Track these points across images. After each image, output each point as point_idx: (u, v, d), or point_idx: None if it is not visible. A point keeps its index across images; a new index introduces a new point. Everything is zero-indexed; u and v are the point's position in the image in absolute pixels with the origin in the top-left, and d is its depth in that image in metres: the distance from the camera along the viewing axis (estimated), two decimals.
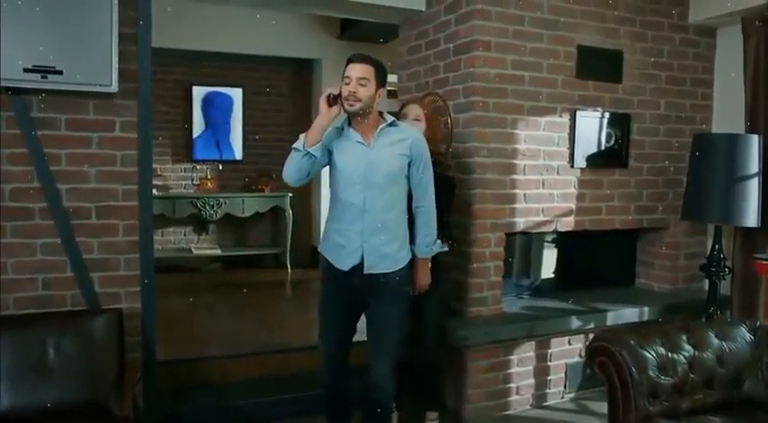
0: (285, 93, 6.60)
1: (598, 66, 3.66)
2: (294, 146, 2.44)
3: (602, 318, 3.59)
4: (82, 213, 2.81)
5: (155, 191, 5.96)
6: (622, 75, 3.76)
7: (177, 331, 4.12)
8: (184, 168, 6.50)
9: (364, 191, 2.44)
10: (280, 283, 6.14)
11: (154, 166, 6.18)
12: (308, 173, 2.46)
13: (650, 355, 2.52)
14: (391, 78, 6.31)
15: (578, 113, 3.62)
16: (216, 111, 6.52)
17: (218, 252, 6.43)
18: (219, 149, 6.57)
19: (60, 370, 2.52)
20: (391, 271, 2.52)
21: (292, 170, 2.45)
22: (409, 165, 2.52)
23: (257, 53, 6.10)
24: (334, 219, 2.56)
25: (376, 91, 2.41)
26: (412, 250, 2.62)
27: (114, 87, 2.73)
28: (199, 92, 6.46)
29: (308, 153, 2.40)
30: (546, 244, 4.09)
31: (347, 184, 2.48)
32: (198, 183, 6.42)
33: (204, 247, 6.51)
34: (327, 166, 2.57)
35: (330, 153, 2.50)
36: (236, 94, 6.57)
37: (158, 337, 3.04)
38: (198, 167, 6.49)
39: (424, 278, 2.69)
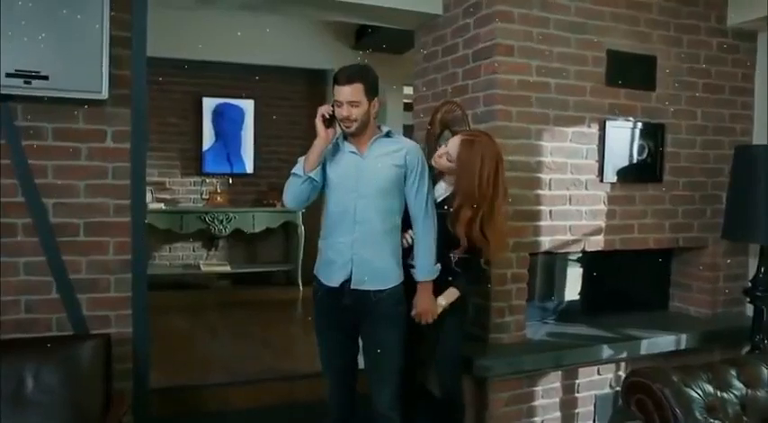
0: (298, 104, 6.39)
1: (629, 72, 3.39)
2: (293, 171, 2.39)
3: (635, 346, 3.29)
4: (69, 230, 2.61)
5: (162, 205, 5.82)
6: (656, 82, 3.49)
7: (177, 355, 3.90)
8: (194, 182, 6.33)
9: (355, 201, 2.36)
10: (290, 302, 5.90)
11: (163, 179, 6.28)
12: (308, 197, 2.41)
13: (696, 395, 2.23)
14: (409, 91, 6.26)
15: (608, 123, 3.36)
16: (227, 123, 6.36)
17: (227, 269, 6.23)
18: (230, 163, 6.40)
19: (39, 402, 2.31)
20: (382, 289, 2.39)
21: (293, 196, 2.42)
22: (405, 177, 2.42)
23: (270, 64, 5.91)
24: (326, 234, 2.48)
25: (369, 105, 2.33)
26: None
27: (104, 94, 2.53)
28: (209, 103, 6.30)
29: (309, 178, 2.35)
30: (571, 264, 3.80)
31: (338, 195, 2.41)
32: (207, 197, 6.24)
33: (213, 263, 6.32)
34: None
35: (323, 167, 2.42)
36: (248, 105, 6.41)
37: (155, 362, 2.85)
38: (207, 181, 6.31)
39: (423, 303, 2.48)
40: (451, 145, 2.56)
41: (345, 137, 2.42)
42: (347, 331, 2.47)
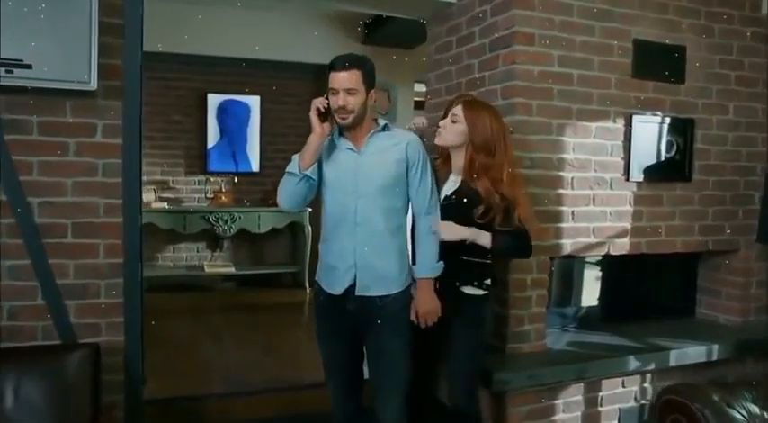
0: (306, 101, 6.12)
1: (657, 63, 3.17)
2: (288, 170, 2.24)
3: (663, 357, 3.07)
4: (56, 231, 2.43)
5: (165, 205, 5.65)
6: (685, 74, 3.26)
7: (176, 362, 3.74)
8: (198, 181, 6.17)
9: (355, 201, 2.22)
10: (297, 305, 5.71)
11: (166, 178, 6.11)
12: (304, 197, 2.27)
13: (740, 416, 2.04)
14: (420, 88, 6.07)
15: (635, 118, 3.13)
16: (232, 120, 6.20)
17: (231, 270, 6.05)
18: (235, 161, 6.24)
19: (20, 419, 2.12)
20: (388, 294, 2.26)
21: (288, 196, 2.27)
22: (407, 172, 2.29)
23: (276, 59, 5.75)
24: (326, 238, 2.34)
25: (367, 95, 2.19)
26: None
27: (93, 84, 2.35)
28: (214, 100, 6.14)
29: (305, 176, 2.20)
30: (591, 267, 3.59)
31: (337, 196, 2.27)
32: (212, 196, 6.06)
33: (217, 264, 6.14)
34: None
35: (319, 166, 2.26)
36: (254, 102, 6.24)
37: (152, 371, 2.71)
38: (212, 180, 6.14)
39: (425, 304, 2.31)
40: (455, 110, 2.42)
41: (341, 132, 2.27)
42: (351, 339, 2.34)
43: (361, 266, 2.23)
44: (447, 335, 2.42)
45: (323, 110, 2.18)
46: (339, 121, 2.19)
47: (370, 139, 2.26)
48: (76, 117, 2.43)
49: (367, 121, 2.25)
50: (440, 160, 2.52)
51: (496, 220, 2.32)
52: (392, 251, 2.28)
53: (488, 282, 2.45)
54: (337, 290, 2.26)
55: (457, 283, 2.39)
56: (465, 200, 2.35)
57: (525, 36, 2.88)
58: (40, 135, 2.38)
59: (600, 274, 3.60)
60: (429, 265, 2.31)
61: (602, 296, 3.61)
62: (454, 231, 2.33)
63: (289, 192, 2.24)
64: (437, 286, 2.41)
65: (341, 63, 2.15)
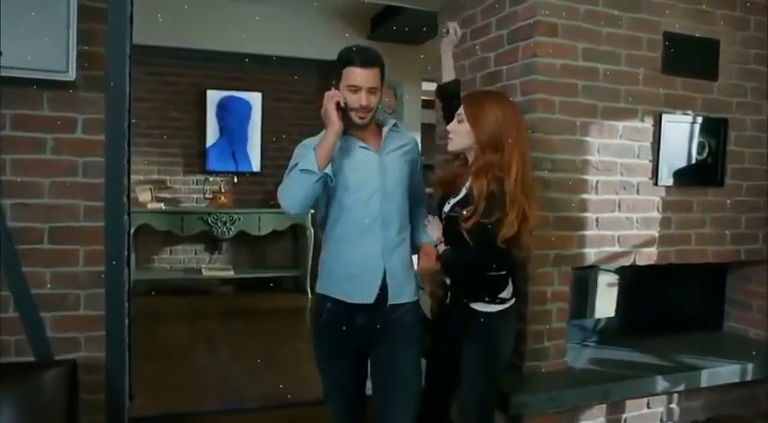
0: (309, 98, 5.95)
1: (689, 58, 2.93)
2: (304, 167, 1.93)
3: (693, 378, 2.83)
4: (31, 236, 2.22)
5: (161, 205, 5.43)
6: (718, 70, 3.03)
7: (167, 375, 3.52)
8: (196, 180, 5.94)
9: (380, 203, 2.05)
10: (298, 311, 5.48)
11: (163, 177, 5.88)
12: (315, 198, 2.00)
13: None
14: (428, 87, 5.83)
15: (664, 117, 2.90)
16: (232, 117, 5.96)
17: (230, 274, 5.83)
18: (235, 160, 6.01)
19: None
20: (405, 302, 2.10)
21: (302, 197, 1.97)
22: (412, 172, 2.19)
23: (279, 54, 5.54)
24: (341, 244, 2.09)
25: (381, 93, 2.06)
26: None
27: (71, 74, 2.14)
28: (213, 96, 5.90)
29: (325, 175, 1.95)
30: (610, 276, 3.35)
31: (361, 198, 2.05)
32: (211, 196, 5.83)
33: (216, 267, 5.92)
34: None
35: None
36: (255, 99, 6.01)
37: (141, 384, 2.57)
38: (211, 180, 5.91)
39: (427, 261, 2.18)
40: (459, 109, 2.15)
41: (345, 130, 2.04)
42: (355, 357, 2.13)
43: (390, 272, 2.06)
44: (458, 356, 2.18)
45: (342, 105, 1.96)
46: (357, 120, 2.02)
47: (386, 138, 2.10)
48: (54, 110, 2.22)
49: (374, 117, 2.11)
50: (457, 166, 2.25)
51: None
52: (408, 256, 2.16)
53: (505, 295, 2.16)
54: (366, 299, 2.05)
55: (465, 300, 2.15)
56: (464, 211, 2.05)
57: (548, 26, 2.64)
58: (14, 130, 2.18)
59: (620, 283, 3.37)
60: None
61: (623, 307, 3.38)
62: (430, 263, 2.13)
63: (305, 191, 1.95)
64: (447, 302, 2.20)
65: (364, 58, 1.96)
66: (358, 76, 1.95)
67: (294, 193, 1.97)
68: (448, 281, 2.22)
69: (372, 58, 1.98)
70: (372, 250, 2.04)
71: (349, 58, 1.96)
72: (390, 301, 2.06)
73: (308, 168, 1.92)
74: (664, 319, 3.40)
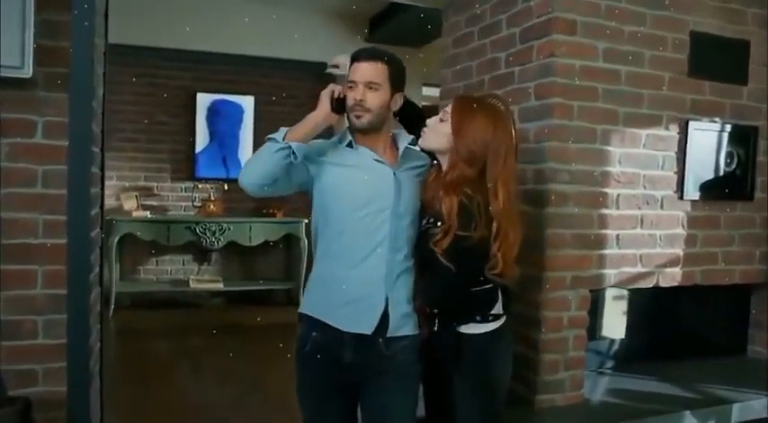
0: (304, 102, 5.71)
1: (717, 60, 2.71)
2: (270, 135, 1.80)
3: (724, 413, 2.57)
4: None
5: (147, 213, 5.17)
6: (748, 74, 2.80)
7: (146, 400, 3.23)
8: (185, 187, 5.66)
9: (390, 222, 1.84)
10: (290, 326, 5.10)
11: (150, 184, 5.61)
12: (274, 179, 1.79)
13: None
14: (428, 92, 5.60)
15: (691, 125, 2.65)
16: (223, 122, 5.70)
17: (220, 286, 5.54)
18: (226, 167, 5.73)
19: None
20: (399, 336, 1.84)
21: (258, 168, 1.79)
22: None
23: (272, 56, 5.36)
24: (339, 263, 1.86)
25: (391, 97, 1.86)
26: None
27: (27, 71, 1.87)
28: (204, 99, 5.64)
29: (288, 149, 1.75)
30: (628, 297, 3.09)
31: (369, 214, 1.83)
32: (200, 205, 5.55)
33: (204, 279, 5.63)
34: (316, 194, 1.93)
35: (310, 171, 1.87)
36: (247, 102, 5.75)
37: (117, 411, 2.37)
38: (200, 187, 5.63)
39: None
40: (447, 107, 1.91)
41: (354, 137, 1.88)
42: (344, 395, 1.88)
43: (393, 301, 1.83)
44: (450, 391, 1.90)
45: (336, 96, 1.82)
46: (353, 119, 1.84)
47: (403, 155, 1.92)
48: (9, 112, 1.95)
49: (387, 129, 1.91)
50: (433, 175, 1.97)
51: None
52: (410, 286, 1.89)
53: (497, 311, 1.88)
54: (363, 328, 1.81)
55: (455, 323, 1.87)
56: (438, 224, 1.81)
57: (565, 23, 2.40)
58: None
59: (635, 303, 3.09)
60: None
61: (640, 329, 3.12)
62: None
63: (263, 162, 1.77)
64: (435, 328, 1.91)
65: (365, 53, 1.85)
66: (355, 70, 1.82)
67: (252, 163, 1.82)
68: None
69: (375, 53, 1.84)
70: (376, 274, 1.82)
71: (353, 55, 1.85)
72: (390, 334, 1.81)
73: (273, 136, 1.78)
74: (683, 342, 3.16)
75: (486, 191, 1.77)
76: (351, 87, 1.81)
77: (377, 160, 1.86)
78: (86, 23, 1.96)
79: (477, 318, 1.86)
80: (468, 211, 1.74)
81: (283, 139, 1.76)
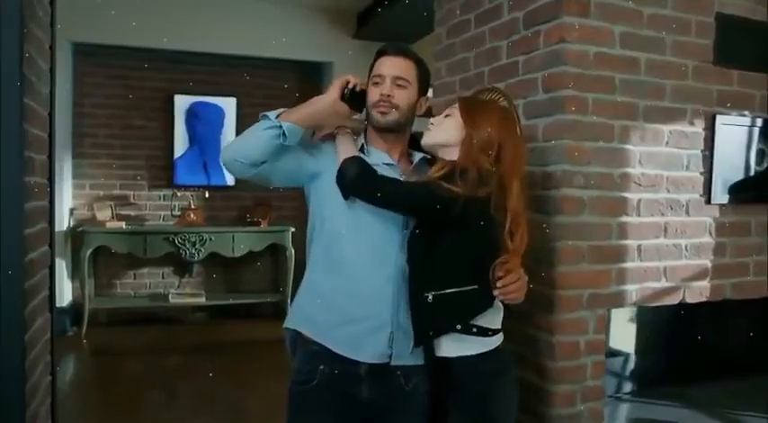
0: (289, 104, 5.41)
1: (745, 47, 2.40)
2: (263, 113, 1.67)
3: None
4: None
5: (123, 224, 4.86)
6: None
7: None
8: (163, 196, 5.38)
9: (403, 237, 1.69)
10: (277, 342, 4.81)
11: (126, 192, 5.30)
12: (258, 160, 1.62)
13: None
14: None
15: (718, 119, 2.35)
16: (203, 125, 5.41)
17: (202, 300, 5.23)
18: (207, 173, 5.44)
19: None
20: (416, 365, 1.68)
21: (243, 145, 1.65)
22: None
23: (255, 55, 5.19)
24: (342, 271, 1.70)
25: (417, 99, 1.75)
26: None
27: None
28: (182, 102, 5.35)
29: (279, 128, 1.60)
30: (644, 313, 2.79)
31: (381, 223, 1.68)
32: (179, 214, 5.25)
33: (185, 293, 5.31)
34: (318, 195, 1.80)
35: (309, 167, 1.74)
36: (229, 104, 5.46)
37: None
38: (179, 195, 5.34)
39: None
40: (449, 109, 1.74)
41: (366, 139, 1.78)
42: None
43: (399, 325, 1.66)
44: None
45: (352, 87, 1.68)
46: (376, 116, 1.70)
47: (416, 165, 1.79)
48: None
49: (405, 135, 1.79)
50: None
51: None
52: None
53: (486, 323, 1.61)
54: (366, 357, 1.64)
55: (427, 340, 1.63)
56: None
57: (577, 4, 2.09)
58: None
59: (656, 321, 2.81)
60: None
61: (657, 348, 2.86)
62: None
63: (251, 138, 1.62)
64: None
65: (394, 47, 1.75)
66: (383, 64, 1.71)
67: (239, 140, 1.69)
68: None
69: (406, 49, 1.75)
70: (384, 292, 1.65)
71: (380, 49, 1.75)
72: (394, 362, 1.63)
73: (266, 114, 1.65)
74: (708, 360, 2.86)
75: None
76: (377, 82, 1.70)
77: (387, 164, 1.72)
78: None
79: (458, 326, 1.57)
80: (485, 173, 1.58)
81: (277, 118, 1.62)
